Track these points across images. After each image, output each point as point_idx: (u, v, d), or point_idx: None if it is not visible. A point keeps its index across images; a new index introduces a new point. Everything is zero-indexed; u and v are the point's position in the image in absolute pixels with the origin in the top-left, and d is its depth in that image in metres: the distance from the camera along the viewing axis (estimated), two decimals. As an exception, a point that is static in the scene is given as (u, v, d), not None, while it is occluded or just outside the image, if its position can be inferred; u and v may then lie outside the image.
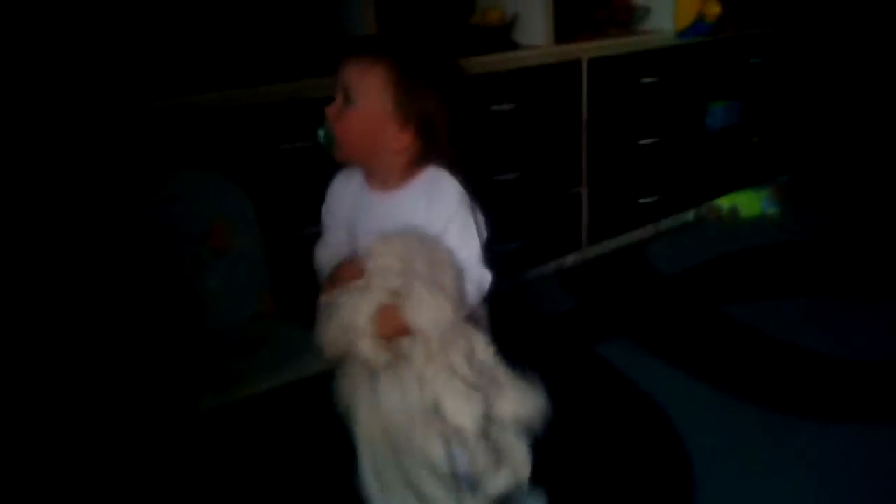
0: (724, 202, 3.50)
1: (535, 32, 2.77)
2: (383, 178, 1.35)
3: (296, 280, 1.86)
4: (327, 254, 1.44)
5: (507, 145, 2.66)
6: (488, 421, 1.31)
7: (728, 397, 2.12)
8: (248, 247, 1.88)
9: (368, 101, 1.28)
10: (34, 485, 1.63)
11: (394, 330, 1.26)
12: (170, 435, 1.61)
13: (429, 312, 1.24)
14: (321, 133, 1.33)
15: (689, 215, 3.51)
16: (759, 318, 2.52)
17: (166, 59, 2.18)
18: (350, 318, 1.26)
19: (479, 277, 1.36)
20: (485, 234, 1.41)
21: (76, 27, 1.94)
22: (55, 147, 1.79)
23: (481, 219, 1.40)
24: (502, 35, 2.75)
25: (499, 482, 1.33)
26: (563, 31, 2.84)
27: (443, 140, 1.32)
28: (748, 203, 3.51)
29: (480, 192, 2.56)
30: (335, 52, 1.34)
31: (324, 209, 1.46)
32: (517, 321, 2.62)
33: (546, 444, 1.93)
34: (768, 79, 3.60)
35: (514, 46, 2.75)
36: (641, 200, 3.18)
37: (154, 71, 2.10)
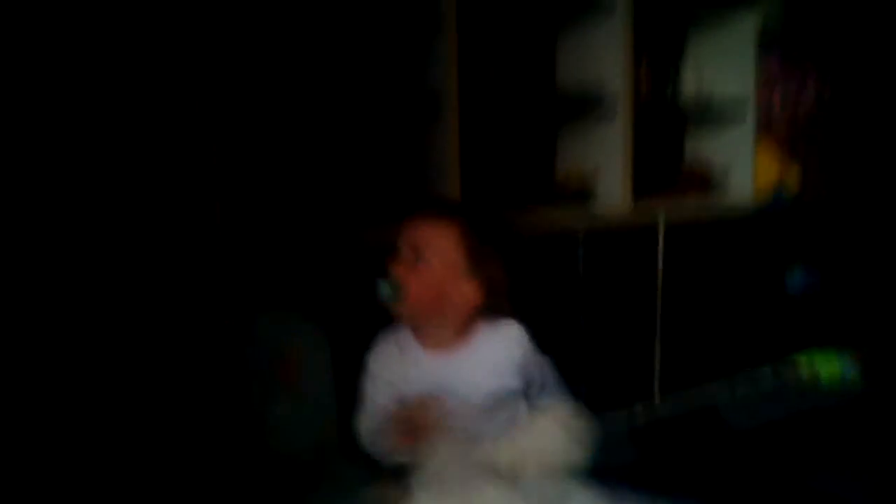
0: (804, 360, 3.43)
1: (613, 196, 2.87)
2: (441, 335, 1.40)
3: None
4: (373, 422, 1.43)
5: (581, 302, 2.74)
6: None
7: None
8: (317, 379, 1.98)
9: (441, 256, 1.35)
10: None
11: None
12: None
13: None
14: (385, 286, 1.37)
15: (767, 373, 3.45)
16: (832, 486, 2.43)
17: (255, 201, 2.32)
18: None
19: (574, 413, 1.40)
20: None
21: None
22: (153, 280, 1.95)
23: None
24: (582, 196, 2.88)
25: None
26: (642, 194, 2.93)
27: (503, 299, 1.40)
28: (828, 364, 3.42)
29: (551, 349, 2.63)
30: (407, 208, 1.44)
31: (364, 378, 1.46)
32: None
33: None
34: (848, 247, 3.60)
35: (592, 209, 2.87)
36: (716, 368, 3.17)
37: (266, 206, 2.24)
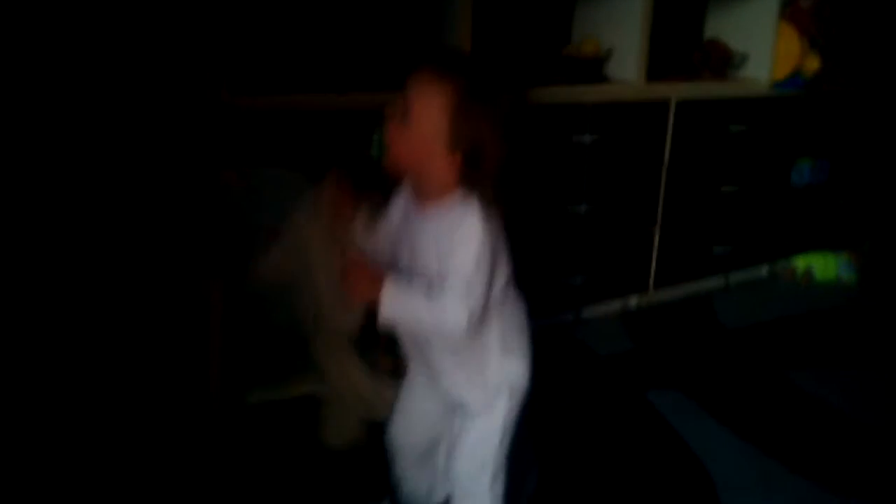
0: (800, 262, 3.42)
1: (628, 68, 2.75)
2: (424, 196, 1.34)
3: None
4: None
5: (584, 177, 2.64)
6: None
7: (774, 464, 2.06)
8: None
9: (423, 120, 1.26)
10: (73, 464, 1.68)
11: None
12: (217, 427, 1.64)
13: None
14: (375, 140, 1.31)
15: (763, 271, 3.44)
16: (820, 386, 2.45)
17: (265, 56, 2.24)
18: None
19: (476, 311, 1.28)
20: (502, 279, 1.38)
21: (176, 20, 1.99)
22: (145, 136, 1.84)
23: (504, 262, 1.37)
24: (594, 68, 2.74)
25: None
26: (656, 70, 2.81)
27: (488, 172, 1.28)
28: (824, 266, 3.41)
29: (551, 222, 2.58)
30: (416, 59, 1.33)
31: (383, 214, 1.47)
32: (571, 357, 2.60)
33: (581, 481, 1.92)
34: (862, 141, 3.51)
35: (605, 80, 2.74)
36: (715, 250, 3.13)
37: (252, 68, 2.15)
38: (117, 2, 1.87)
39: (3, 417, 1.67)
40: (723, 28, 3.25)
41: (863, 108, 3.44)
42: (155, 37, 1.96)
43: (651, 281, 2.98)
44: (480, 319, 1.31)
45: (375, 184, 1.44)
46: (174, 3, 1.94)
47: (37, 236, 1.72)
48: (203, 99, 1.94)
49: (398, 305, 1.28)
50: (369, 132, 2.11)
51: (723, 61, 3.13)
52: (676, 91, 2.81)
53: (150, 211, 1.79)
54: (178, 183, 1.83)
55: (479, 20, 2.34)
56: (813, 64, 3.14)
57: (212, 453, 1.70)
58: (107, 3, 1.85)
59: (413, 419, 1.56)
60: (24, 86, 1.75)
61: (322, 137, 2.06)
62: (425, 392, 1.51)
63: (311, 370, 1.71)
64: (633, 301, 3.00)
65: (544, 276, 2.64)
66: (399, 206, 1.42)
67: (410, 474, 1.60)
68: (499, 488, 1.46)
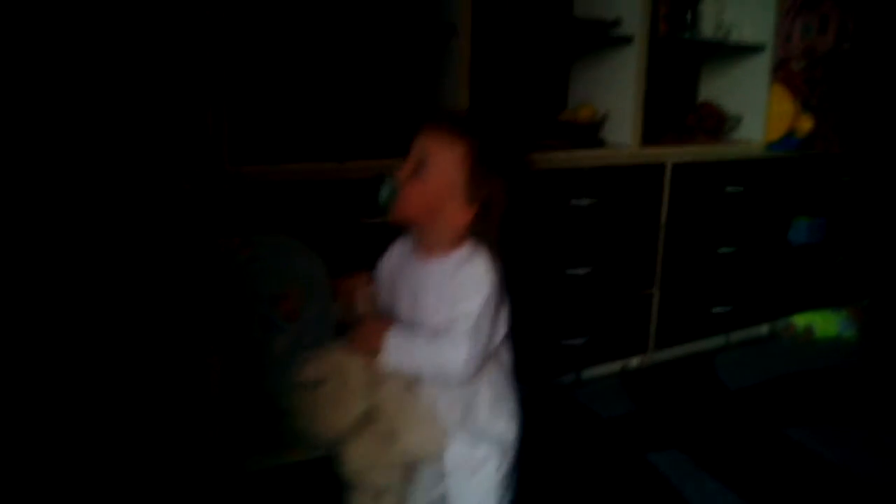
0: (800, 320, 3.42)
1: (623, 133, 2.80)
2: (430, 245, 1.38)
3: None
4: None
5: (583, 240, 2.67)
6: None
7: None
8: (318, 315, 1.93)
9: (442, 172, 1.31)
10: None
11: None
12: (216, 491, 1.64)
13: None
14: (384, 191, 1.34)
15: (763, 330, 3.44)
16: (821, 445, 2.44)
17: (266, 125, 2.29)
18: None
19: (481, 357, 1.32)
20: (503, 330, 1.40)
21: (181, 88, 2.04)
22: (150, 206, 1.88)
23: (505, 312, 1.40)
24: (590, 132, 2.79)
25: None
26: (651, 133, 2.87)
27: (495, 224, 1.34)
28: (825, 323, 3.42)
29: (551, 284, 2.60)
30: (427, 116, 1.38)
31: (378, 265, 1.50)
32: (572, 419, 2.59)
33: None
34: (857, 199, 3.55)
35: (601, 144, 2.79)
36: (714, 309, 3.14)
37: (253, 135, 2.20)
38: (124, 69, 1.92)
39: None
40: (716, 91, 3.33)
41: (857, 166, 3.49)
42: (160, 105, 2.01)
43: (651, 341, 2.98)
44: (479, 367, 1.33)
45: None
46: (179, 73, 2.00)
47: (48, 309, 1.74)
48: (206, 167, 1.98)
49: (401, 351, 1.31)
50: (369, 198, 2.14)
51: (717, 123, 3.19)
52: (672, 154, 2.86)
53: (154, 281, 1.81)
54: (181, 251, 1.85)
55: (477, 86, 2.39)
56: (806, 124, 3.19)
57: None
58: (113, 70, 1.90)
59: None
60: (36, 161, 1.79)
61: (322, 205, 2.09)
62: None
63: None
64: (634, 361, 3.01)
65: (545, 338, 2.65)
66: (396, 254, 1.47)
67: None
68: None
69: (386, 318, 1.39)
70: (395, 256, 1.47)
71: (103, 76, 1.92)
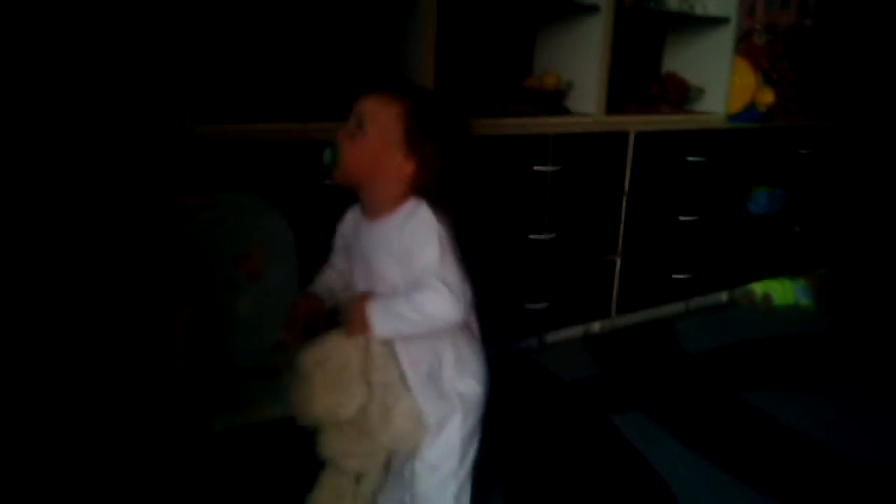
0: (759, 288, 3.50)
1: (587, 101, 2.83)
2: (376, 206, 1.42)
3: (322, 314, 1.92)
4: (328, 274, 1.56)
5: (546, 206, 2.70)
6: None
7: (735, 482, 2.10)
8: (281, 275, 1.94)
9: (380, 130, 1.37)
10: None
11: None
12: (181, 450, 1.65)
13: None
14: (327, 153, 1.40)
15: (722, 297, 3.51)
16: (778, 407, 2.50)
17: (229, 84, 2.28)
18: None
19: (462, 293, 1.35)
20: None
21: (142, 43, 2.03)
22: (110, 163, 1.86)
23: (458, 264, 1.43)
24: (555, 100, 2.82)
25: None
26: (615, 102, 2.90)
27: (432, 181, 1.40)
28: (782, 291, 3.50)
29: (515, 249, 2.63)
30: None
31: (336, 235, 1.57)
32: (535, 382, 2.63)
33: (546, 502, 1.95)
34: (815, 171, 3.62)
35: (566, 112, 2.82)
36: (675, 276, 3.20)
37: (216, 95, 2.19)
38: (83, 26, 1.90)
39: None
40: (679, 62, 3.36)
41: (816, 139, 3.55)
42: (119, 63, 1.99)
43: (613, 306, 3.03)
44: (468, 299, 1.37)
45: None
46: (139, 30, 1.98)
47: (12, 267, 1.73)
48: (167, 127, 1.97)
49: (388, 318, 1.35)
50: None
51: (680, 94, 3.23)
52: (635, 123, 2.89)
53: (115, 237, 1.81)
54: (142, 210, 1.85)
55: (442, 52, 2.40)
56: (767, 97, 3.25)
57: (177, 479, 1.71)
58: (73, 28, 1.88)
59: None
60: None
61: (285, 165, 2.09)
62: None
63: (273, 398, 1.73)
64: (596, 326, 3.06)
65: (508, 301, 2.69)
66: (349, 223, 1.53)
67: (381, 493, 1.61)
68: None
69: (361, 295, 1.41)
70: (349, 224, 1.53)
71: (64, 35, 1.90)
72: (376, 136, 1.37)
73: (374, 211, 1.43)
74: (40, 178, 1.77)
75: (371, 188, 1.42)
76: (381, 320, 1.35)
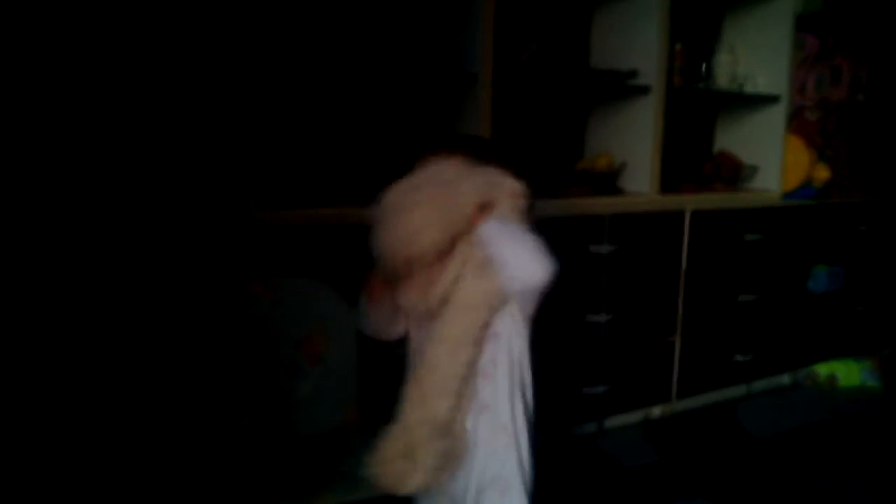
0: (823, 369, 3.40)
1: (641, 181, 2.82)
2: None
3: (382, 396, 1.90)
4: None
5: (603, 287, 2.67)
6: None
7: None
8: (341, 357, 1.93)
9: None
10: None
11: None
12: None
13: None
14: None
15: (785, 378, 3.41)
16: (846, 494, 2.39)
17: (289, 170, 2.32)
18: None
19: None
20: None
21: (208, 131, 2.08)
22: (177, 250, 1.90)
23: None
24: (608, 181, 2.82)
25: None
26: (669, 182, 2.89)
27: None
28: (848, 373, 3.39)
29: (572, 332, 2.59)
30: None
31: None
32: (594, 468, 2.56)
33: None
34: (875, 247, 3.54)
35: (620, 192, 2.81)
36: (736, 358, 3.12)
37: (276, 181, 2.23)
38: (149, 115, 1.96)
39: None
40: (732, 141, 3.36)
41: (874, 215, 3.49)
42: (185, 152, 2.04)
43: (673, 390, 2.96)
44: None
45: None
46: (204, 121, 2.04)
47: (82, 353, 1.75)
48: (231, 213, 2.01)
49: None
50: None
51: (733, 172, 3.21)
52: (690, 201, 2.88)
53: (182, 322, 1.82)
54: (207, 295, 1.86)
55: (496, 135, 2.42)
56: (823, 174, 3.22)
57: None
58: (140, 116, 1.94)
59: None
60: (70, 196, 1.82)
61: (344, 248, 2.11)
62: None
63: (334, 479, 1.70)
64: (657, 410, 2.98)
65: (565, 386, 2.64)
66: None
67: None
68: None
69: None
70: None
71: (132, 120, 1.96)
72: None
73: None
74: (113, 265, 1.80)
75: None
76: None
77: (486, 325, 1.38)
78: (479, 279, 1.35)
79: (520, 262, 1.34)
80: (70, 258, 1.77)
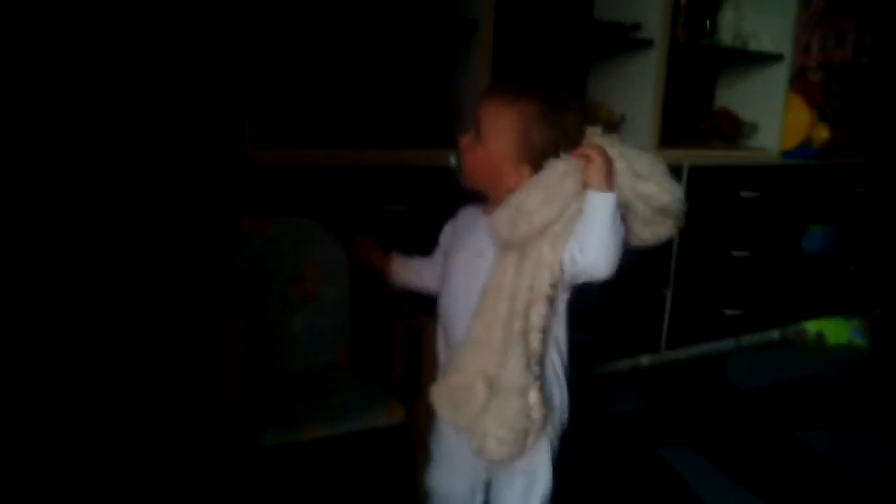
0: (812, 326, 3.44)
1: (641, 135, 2.83)
2: (496, 203, 1.40)
3: (374, 336, 1.95)
4: (421, 259, 1.67)
5: (597, 238, 2.69)
6: None
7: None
8: (334, 297, 1.97)
9: (495, 141, 1.39)
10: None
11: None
12: (230, 466, 1.67)
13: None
14: (453, 160, 1.45)
15: (774, 334, 3.46)
16: (831, 446, 2.45)
17: (287, 109, 2.34)
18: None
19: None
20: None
21: (203, 69, 2.10)
22: (171, 186, 1.93)
23: None
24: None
25: None
26: (668, 137, 2.90)
27: None
28: (836, 331, 3.44)
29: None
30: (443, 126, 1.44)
31: (443, 231, 1.61)
32: (583, 413, 2.61)
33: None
34: (871, 209, 3.56)
35: (617, 144, 2.82)
36: (726, 312, 3.16)
37: (274, 120, 2.25)
38: (147, 55, 1.98)
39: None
40: (733, 98, 3.36)
41: (871, 177, 3.50)
42: (182, 90, 2.07)
43: (663, 341, 3.01)
44: None
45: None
46: (201, 58, 2.06)
47: (64, 283, 1.79)
48: (227, 151, 2.04)
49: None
50: (385, 186, 2.20)
51: (733, 130, 3.22)
52: (689, 157, 2.89)
53: (174, 257, 1.86)
54: (200, 230, 1.90)
55: (496, 82, 2.43)
56: (823, 134, 3.22)
57: (224, 492, 1.73)
58: (138, 56, 1.96)
59: (451, 467, 1.56)
60: (58, 136, 1.85)
61: (340, 190, 2.14)
62: (457, 440, 1.49)
63: (323, 414, 1.75)
64: (645, 360, 3.03)
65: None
66: (463, 218, 1.56)
67: None
68: None
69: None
70: (463, 219, 1.56)
71: (124, 59, 1.98)
72: (493, 147, 1.39)
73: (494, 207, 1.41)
74: (100, 199, 1.83)
75: (494, 191, 1.42)
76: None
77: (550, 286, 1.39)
78: (557, 244, 1.36)
79: (595, 251, 1.36)
80: (67, 189, 1.80)
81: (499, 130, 1.39)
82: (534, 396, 1.37)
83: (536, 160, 1.36)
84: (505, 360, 1.36)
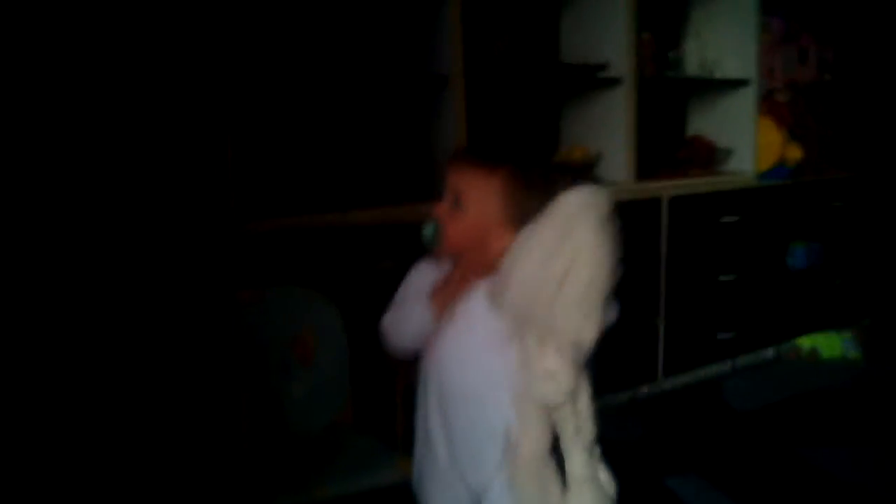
0: (805, 342, 3.48)
1: (618, 170, 2.89)
2: (478, 268, 1.36)
3: (375, 395, 1.98)
4: (397, 312, 1.48)
5: (585, 275, 2.73)
6: None
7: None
8: (332, 358, 2.00)
9: (479, 208, 1.32)
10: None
11: None
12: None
13: None
14: (428, 230, 1.36)
15: (769, 353, 3.49)
16: (833, 463, 2.47)
17: (270, 182, 2.39)
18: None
19: None
20: None
21: (188, 151, 2.14)
22: (164, 264, 1.96)
23: None
24: (585, 173, 2.87)
25: None
26: (645, 169, 2.96)
27: None
28: (829, 345, 3.47)
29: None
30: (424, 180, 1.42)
31: (403, 285, 1.49)
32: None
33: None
34: (850, 222, 3.62)
35: (597, 182, 2.87)
36: (719, 336, 3.20)
37: (263, 194, 2.30)
38: (135, 134, 2.02)
39: None
40: (705, 125, 3.43)
41: (847, 191, 3.57)
42: (168, 167, 2.10)
43: (660, 369, 3.03)
44: None
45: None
46: (184, 136, 2.10)
47: (71, 362, 1.82)
48: (215, 226, 2.07)
49: None
50: (372, 245, 2.23)
51: (708, 156, 3.28)
52: (667, 188, 2.95)
53: (173, 332, 1.89)
54: (198, 305, 1.93)
55: (471, 132, 2.49)
56: (795, 153, 3.29)
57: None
58: (126, 135, 2.00)
59: None
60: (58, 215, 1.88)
61: (329, 253, 2.17)
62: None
63: (331, 474, 1.76)
64: (644, 390, 3.05)
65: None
66: (433, 273, 1.44)
67: None
68: None
69: None
70: (429, 275, 1.44)
71: (117, 137, 2.01)
72: (476, 214, 1.32)
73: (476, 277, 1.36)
74: (100, 281, 1.86)
75: (473, 257, 1.36)
76: None
77: None
78: None
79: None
80: (65, 269, 1.83)
81: (485, 196, 1.32)
82: None
83: (524, 222, 1.29)
84: None
